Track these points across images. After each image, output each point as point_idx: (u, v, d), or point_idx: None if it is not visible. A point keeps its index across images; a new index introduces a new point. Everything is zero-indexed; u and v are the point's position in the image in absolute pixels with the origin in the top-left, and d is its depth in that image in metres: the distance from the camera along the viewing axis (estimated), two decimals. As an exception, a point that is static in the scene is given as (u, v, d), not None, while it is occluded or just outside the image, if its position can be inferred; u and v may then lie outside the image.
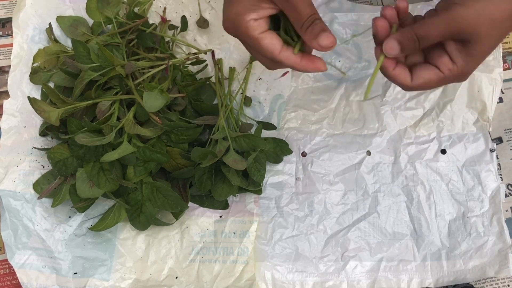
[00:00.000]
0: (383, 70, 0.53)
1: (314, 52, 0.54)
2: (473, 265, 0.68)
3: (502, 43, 0.77)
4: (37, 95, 0.74)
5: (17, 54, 0.76)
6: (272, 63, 0.54)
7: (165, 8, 0.79)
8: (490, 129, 0.73)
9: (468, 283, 0.67)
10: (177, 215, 0.69)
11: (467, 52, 0.50)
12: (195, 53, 0.74)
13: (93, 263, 0.68)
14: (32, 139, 0.72)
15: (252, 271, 0.68)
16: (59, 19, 0.77)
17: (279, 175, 0.72)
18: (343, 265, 0.68)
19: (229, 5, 0.52)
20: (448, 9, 0.49)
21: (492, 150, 0.72)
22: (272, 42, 0.51)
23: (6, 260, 0.67)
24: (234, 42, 0.78)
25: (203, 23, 0.79)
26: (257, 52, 0.53)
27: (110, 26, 0.75)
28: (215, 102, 0.74)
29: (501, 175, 0.73)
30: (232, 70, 0.76)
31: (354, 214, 0.71)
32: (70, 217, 0.70)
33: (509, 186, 0.73)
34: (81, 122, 0.64)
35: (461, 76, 0.51)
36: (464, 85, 0.74)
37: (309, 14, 0.50)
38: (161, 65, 0.69)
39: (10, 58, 0.76)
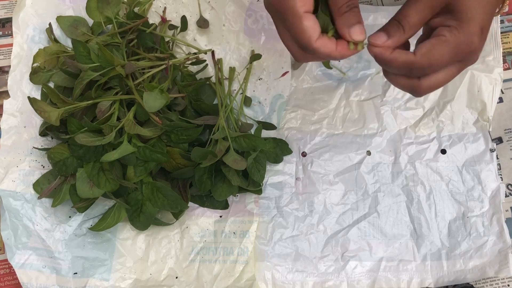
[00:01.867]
0: (377, 59, 0.50)
1: None
2: (473, 265, 0.68)
3: (502, 43, 0.76)
4: (37, 95, 0.74)
5: (17, 54, 0.76)
6: (302, 52, 0.51)
7: (165, 8, 0.79)
8: (490, 129, 0.73)
9: (468, 283, 0.67)
10: (177, 215, 0.69)
11: (459, 20, 0.48)
12: (195, 53, 0.74)
13: (93, 263, 0.68)
14: (32, 139, 0.72)
15: (252, 271, 0.68)
16: (59, 19, 0.77)
17: (279, 175, 0.72)
18: (343, 265, 0.68)
19: None
20: None
21: (492, 150, 0.72)
22: (313, 25, 0.48)
23: (6, 260, 0.67)
24: (234, 42, 0.78)
25: (203, 23, 0.79)
26: (292, 35, 0.50)
27: (110, 26, 0.75)
28: (215, 102, 0.74)
29: (501, 175, 0.73)
30: (232, 70, 0.76)
31: (354, 214, 0.71)
32: (70, 217, 0.70)
33: (509, 186, 0.73)
34: (81, 122, 0.64)
35: (465, 43, 0.48)
36: (464, 85, 0.74)
37: None
38: (161, 65, 0.69)
39: (10, 58, 0.76)
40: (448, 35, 0.48)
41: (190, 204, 0.70)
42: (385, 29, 0.50)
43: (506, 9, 0.51)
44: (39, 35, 0.77)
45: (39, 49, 0.75)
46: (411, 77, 0.51)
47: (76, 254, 0.68)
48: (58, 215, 0.69)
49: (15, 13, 0.77)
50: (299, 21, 0.48)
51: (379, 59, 0.50)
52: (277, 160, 0.72)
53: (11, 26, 0.79)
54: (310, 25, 0.48)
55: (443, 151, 0.73)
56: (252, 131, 0.72)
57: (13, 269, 0.67)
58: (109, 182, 0.65)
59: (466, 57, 0.49)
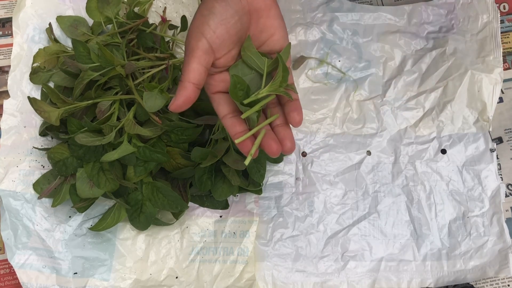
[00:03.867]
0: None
1: None
2: (473, 265, 0.68)
3: (502, 43, 0.77)
4: (37, 95, 0.74)
5: (17, 54, 0.76)
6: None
7: (165, 8, 0.79)
8: (490, 129, 0.73)
9: (468, 283, 0.67)
10: (177, 215, 0.69)
11: None
12: (195, 53, 0.74)
13: (93, 263, 0.68)
14: (32, 139, 0.72)
15: (252, 271, 0.68)
16: (59, 19, 0.77)
17: (279, 175, 0.72)
18: (343, 265, 0.68)
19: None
20: None
21: (492, 150, 0.72)
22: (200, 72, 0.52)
23: (6, 260, 0.67)
24: (234, 42, 0.78)
25: (203, 23, 0.79)
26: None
27: (110, 26, 0.75)
28: (215, 102, 0.74)
29: (501, 175, 0.73)
30: (232, 70, 0.76)
31: (354, 214, 0.71)
32: (70, 217, 0.70)
33: (509, 186, 0.73)
34: (81, 122, 0.64)
35: None
36: (464, 85, 0.74)
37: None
38: (161, 65, 0.69)
39: (10, 58, 0.76)
40: None
41: (190, 204, 0.70)
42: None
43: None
44: (39, 35, 0.77)
45: (39, 49, 0.75)
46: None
47: (76, 254, 0.68)
48: (58, 215, 0.69)
49: (15, 13, 0.77)
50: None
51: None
52: (277, 160, 0.72)
53: (11, 26, 0.79)
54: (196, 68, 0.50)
55: (443, 151, 0.73)
56: (252, 131, 0.72)
57: (13, 269, 0.67)
58: (109, 182, 0.65)
59: None
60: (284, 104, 0.53)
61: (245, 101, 0.51)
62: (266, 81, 0.52)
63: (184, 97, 0.49)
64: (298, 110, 0.52)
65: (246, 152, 0.51)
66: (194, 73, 0.49)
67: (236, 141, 0.51)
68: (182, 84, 0.49)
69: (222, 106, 0.53)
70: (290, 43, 0.53)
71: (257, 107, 0.51)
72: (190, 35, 0.50)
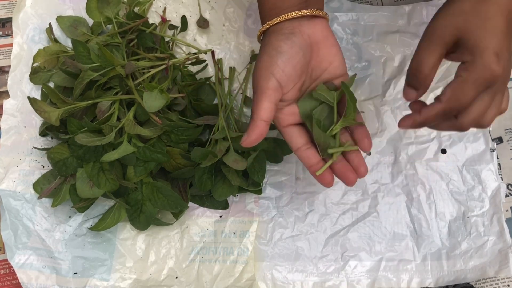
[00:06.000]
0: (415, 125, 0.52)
1: None
2: (473, 265, 0.68)
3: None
4: (37, 95, 0.74)
5: (17, 54, 0.76)
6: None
7: (165, 8, 0.79)
8: (490, 129, 0.73)
9: (468, 283, 0.67)
10: (177, 215, 0.69)
11: (472, 53, 0.48)
12: (195, 53, 0.74)
13: (93, 263, 0.68)
14: (32, 139, 0.72)
15: (252, 271, 0.68)
16: (59, 19, 0.77)
17: (279, 175, 0.72)
18: (343, 265, 0.68)
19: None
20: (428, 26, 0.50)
21: (492, 150, 0.72)
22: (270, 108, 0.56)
23: (6, 260, 0.67)
24: (234, 42, 0.78)
25: (203, 23, 0.79)
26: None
27: (110, 26, 0.75)
28: (215, 102, 0.74)
29: (501, 175, 0.73)
30: (232, 70, 0.76)
31: (354, 214, 0.71)
32: (70, 217, 0.70)
33: (509, 186, 0.73)
34: (81, 122, 0.64)
35: (483, 75, 0.47)
36: (464, 85, 0.74)
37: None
38: (161, 65, 0.69)
39: (10, 58, 0.76)
40: (464, 74, 0.48)
41: (190, 204, 0.70)
42: (408, 83, 0.51)
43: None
44: (39, 35, 0.77)
45: (39, 49, 0.75)
46: (449, 119, 0.51)
47: (76, 254, 0.68)
48: (58, 215, 0.70)
49: (15, 13, 0.77)
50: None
51: (417, 124, 0.51)
52: (277, 160, 0.72)
53: (11, 26, 0.79)
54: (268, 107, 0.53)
55: (443, 151, 0.73)
56: (252, 131, 0.72)
57: (13, 269, 0.67)
58: (109, 182, 0.65)
59: (491, 84, 0.49)
60: (353, 130, 0.56)
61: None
62: (336, 111, 0.56)
63: (257, 134, 0.52)
64: (368, 137, 0.55)
65: (326, 183, 0.54)
66: (265, 112, 0.52)
67: (317, 173, 0.55)
68: (254, 123, 0.52)
69: (295, 139, 0.56)
70: (355, 74, 0.57)
71: (337, 142, 0.55)
72: (259, 75, 0.53)
